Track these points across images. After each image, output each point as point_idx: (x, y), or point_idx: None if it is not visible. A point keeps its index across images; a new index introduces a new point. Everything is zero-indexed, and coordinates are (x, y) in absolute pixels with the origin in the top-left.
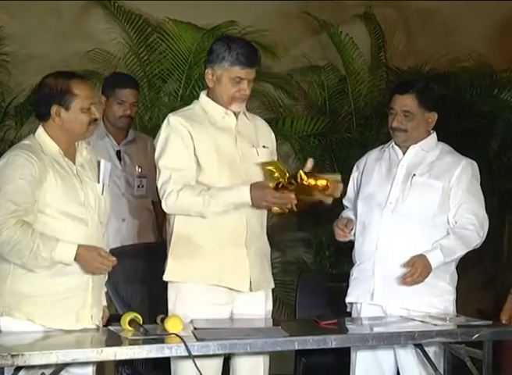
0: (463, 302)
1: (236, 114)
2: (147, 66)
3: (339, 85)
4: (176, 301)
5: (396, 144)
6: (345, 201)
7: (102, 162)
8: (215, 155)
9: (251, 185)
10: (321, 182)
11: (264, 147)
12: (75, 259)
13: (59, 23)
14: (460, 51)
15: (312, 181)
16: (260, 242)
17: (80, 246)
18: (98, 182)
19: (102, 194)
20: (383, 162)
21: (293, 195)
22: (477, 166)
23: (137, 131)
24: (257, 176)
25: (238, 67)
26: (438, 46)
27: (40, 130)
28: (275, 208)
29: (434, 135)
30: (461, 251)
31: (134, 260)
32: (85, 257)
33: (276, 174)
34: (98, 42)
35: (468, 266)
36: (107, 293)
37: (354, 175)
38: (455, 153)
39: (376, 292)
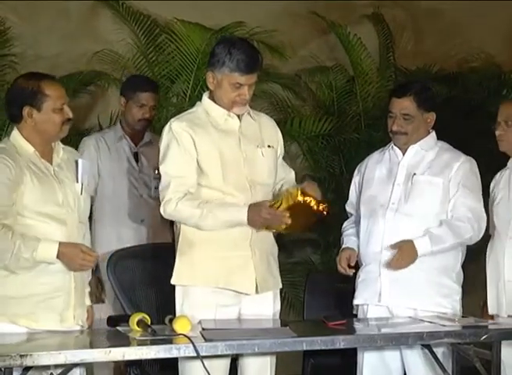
0: (472, 303)
1: (239, 115)
2: (155, 67)
3: (348, 86)
4: (183, 302)
5: (395, 145)
6: (347, 207)
7: (80, 161)
8: (218, 159)
9: (249, 205)
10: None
11: (269, 146)
12: (57, 257)
13: (67, 23)
14: (469, 51)
15: (301, 198)
16: (265, 244)
17: (61, 244)
18: (77, 181)
19: (81, 193)
20: (384, 163)
21: (285, 213)
22: (475, 163)
23: (153, 133)
24: (262, 178)
25: (237, 73)
26: (446, 46)
27: (15, 132)
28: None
29: (433, 134)
30: (451, 242)
31: (142, 261)
32: (67, 254)
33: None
34: (107, 43)
35: (478, 266)
36: (115, 293)
37: (356, 179)
38: (454, 150)
39: (383, 293)
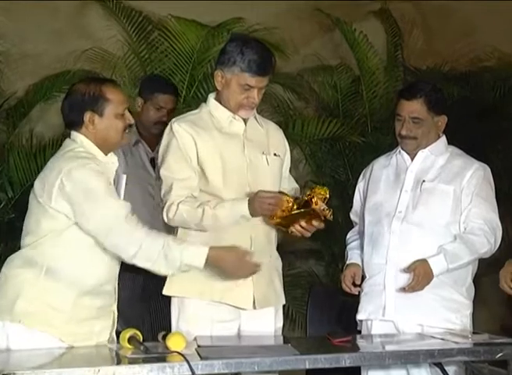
0: (485, 318)
1: (245, 119)
2: (148, 66)
3: (353, 86)
4: (179, 317)
5: (403, 149)
6: (352, 215)
7: (123, 176)
8: (220, 164)
9: (250, 198)
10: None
11: (275, 155)
12: (206, 262)
13: (55, 20)
14: (482, 49)
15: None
16: (267, 258)
17: (211, 248)
18: (119, 197)
19: None
20: (390, 169)
21: (285, 198)
22: (489, 169)
23: None
24: (264, 187)
25: (248, 74)
26: (458, 44)
27: (82, 138)
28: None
29: (443, 138)
30: (467, 258)
31: (134, 272)
32: (225, 259)
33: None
34: (96, 40)
35: (491, 278)
36: None
37: (360, 185)
38: (466, 156)
39: (388, 307)
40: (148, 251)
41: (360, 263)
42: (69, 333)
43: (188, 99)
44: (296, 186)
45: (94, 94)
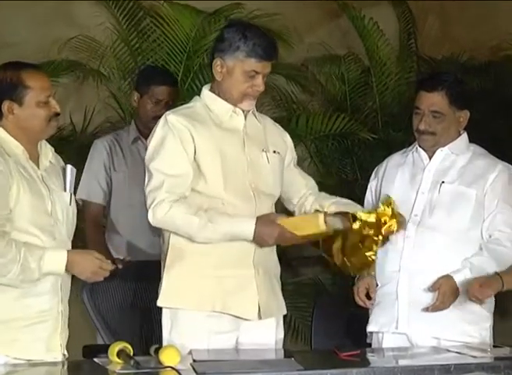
0: (507, 331)
1: (244, 113)
2: (138, 56)
3: (362, 78)
4: (171, 329)
5: (420, 146)
6: None
7: (69, 167)
8: (219, 161)
9: (258, 218)
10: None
11: (275, 152)
12: (66, 268)
13: (36, 5)
14: (503, 37)
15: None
16: (269, 262)
17: (69, 252)
18: (65, 190)
19: (70, 204)
20: (406, 167)
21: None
22: None
23: None
24: (266, 187)
25: (254, 59)
26: (477, 32)
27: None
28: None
29: (465, 136)
30: (494, 271)
31: (125, 281)
32: (80, 262)
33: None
34: (82, 28)
35: None
36: (91, 319)
37: (372, 184)
38: (489, 156)
39: (401, 319)
40: (5, 267)
41: (373, 280)
42: (10, 345)
43: (183, 92)
44: (313, 183)
45: (12, 80)
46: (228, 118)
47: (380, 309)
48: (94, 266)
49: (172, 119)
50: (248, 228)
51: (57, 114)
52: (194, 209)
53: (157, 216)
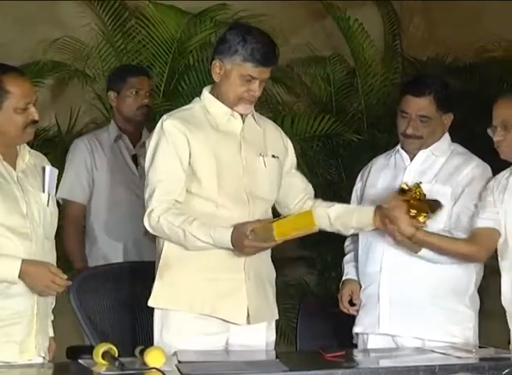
0: (492, 331)
1: (242, 116)
2: (124, 57)
3: (347, 79)
4: (162, 330)
5: (402, 148)
6: None
7: (48, 168)
8: (214, 164)
9: (234, 226)
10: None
11: (273, 156)
12: (19, 277)
13: (21, 6)
14: (488, 38)
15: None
16: (262, 267)
17: (24, 261)
18: (43, 191)
19: (48, 205)
20: (388, 170)
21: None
22: (490, 169)
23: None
24: (262, 191)
25: (251, 64)
26: (462, 33)
27: None
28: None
29: (447, 136)
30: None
31: (114, 282)
32: (32, 273)
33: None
34: (68, 29)
35: (499, 288)
36: (78, 321)
37: (358, 187)
38: (468, 154)
39: (382, 319)
40: None
41: (357, 278)
42: None
43: (168, 93)
44: (311, 188)
45: None
46: (225, 121)
47: (364, 310)
48: (46, 280)
49: (167, 125)
50: (226, 239)
51: (34, 121)
52: (181, 220)
53: (150, 224)
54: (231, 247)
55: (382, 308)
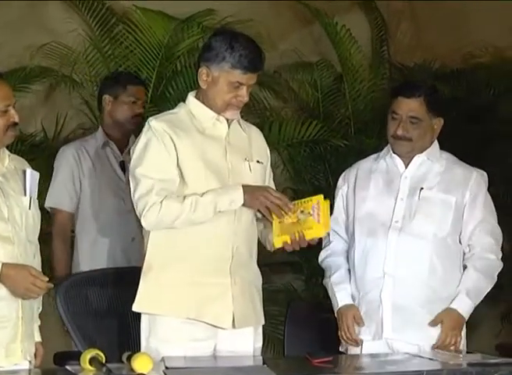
0: (479, 337)
1: (228, 121)
2: (111, 62)
3: (335, 84)
4: (149, 335)
5: (394, 153)
6: (332, 224)
7: (28, 171)
8: (202, 168)
9: (243, 185)
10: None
11: (258, 162)
12: (0, 281)
13: (8, 11)
14: (475, 44)
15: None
16: (248, 272)
17: (4, 264)
18: (25, 195)
19: (30, 208)
20: (379, 174)
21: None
22: (486, 175)
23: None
24: None
25: (239, 71)
26: (449, 39)
27: None
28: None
29: (436, 143)
30: (489, 287)
31: (100, 287)
32: (12, 277)
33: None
34: (55, 34)
35: (487, 295)
36: (65, 328)
37: (343, 190)
38: (463, 164)
39: (386, 325)
40: None
41: (351, 300)
42: None
43: (155, 99)
44: None
45: None
46: (211, 125)
47: (365, 317)
48: (27, 283)
49: (154, 125)
50: (237, 192)
51: (15, 124)
52: (182, 197)
53: (149, 219)
54: (242, 198)
55: (385, 314)
